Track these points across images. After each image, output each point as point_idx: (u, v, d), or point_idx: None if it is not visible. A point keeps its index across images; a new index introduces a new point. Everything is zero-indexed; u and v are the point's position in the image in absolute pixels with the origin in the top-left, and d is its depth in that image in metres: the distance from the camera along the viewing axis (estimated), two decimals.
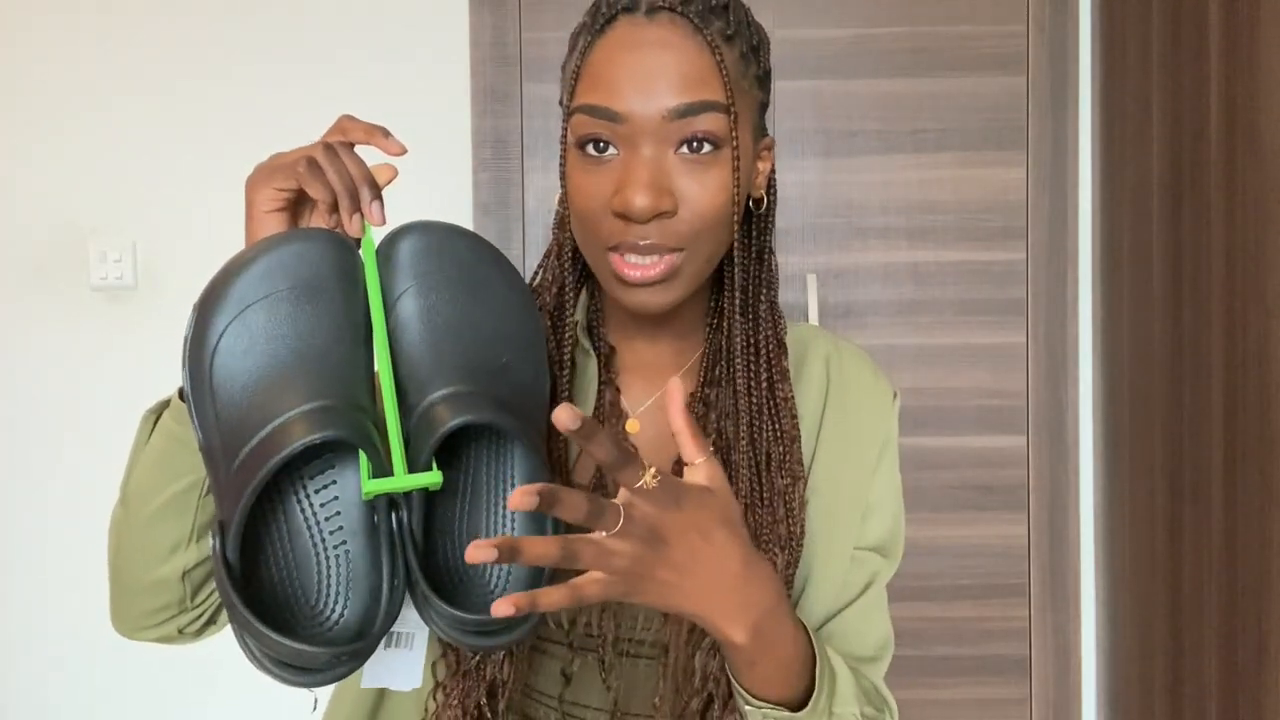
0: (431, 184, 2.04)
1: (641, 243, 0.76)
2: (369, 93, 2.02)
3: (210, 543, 0.65)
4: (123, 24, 2.02)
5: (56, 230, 2.04)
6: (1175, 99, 1.64)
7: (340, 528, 0.69)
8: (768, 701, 0.74)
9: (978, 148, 2.04)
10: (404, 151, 0.75)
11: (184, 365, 0.69)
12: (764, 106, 0.83)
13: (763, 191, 0.85)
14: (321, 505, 0.69)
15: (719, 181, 0.76)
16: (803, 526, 0.83)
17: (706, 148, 0.76)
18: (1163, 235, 1.70)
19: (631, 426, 0.85)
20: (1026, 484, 2.06)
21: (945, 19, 2.03)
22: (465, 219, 2.04)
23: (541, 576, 0.68)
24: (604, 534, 0.61)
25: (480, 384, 0.68)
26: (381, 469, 0.66)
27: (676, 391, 0.64)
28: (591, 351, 0.87)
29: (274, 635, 0.63)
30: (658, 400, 0.87)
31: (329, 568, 0.69)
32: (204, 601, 0.80)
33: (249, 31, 2.02)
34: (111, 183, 2.03)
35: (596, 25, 0.78)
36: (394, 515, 0.68)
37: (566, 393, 0.83)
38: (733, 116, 0.75)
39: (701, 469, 0.66)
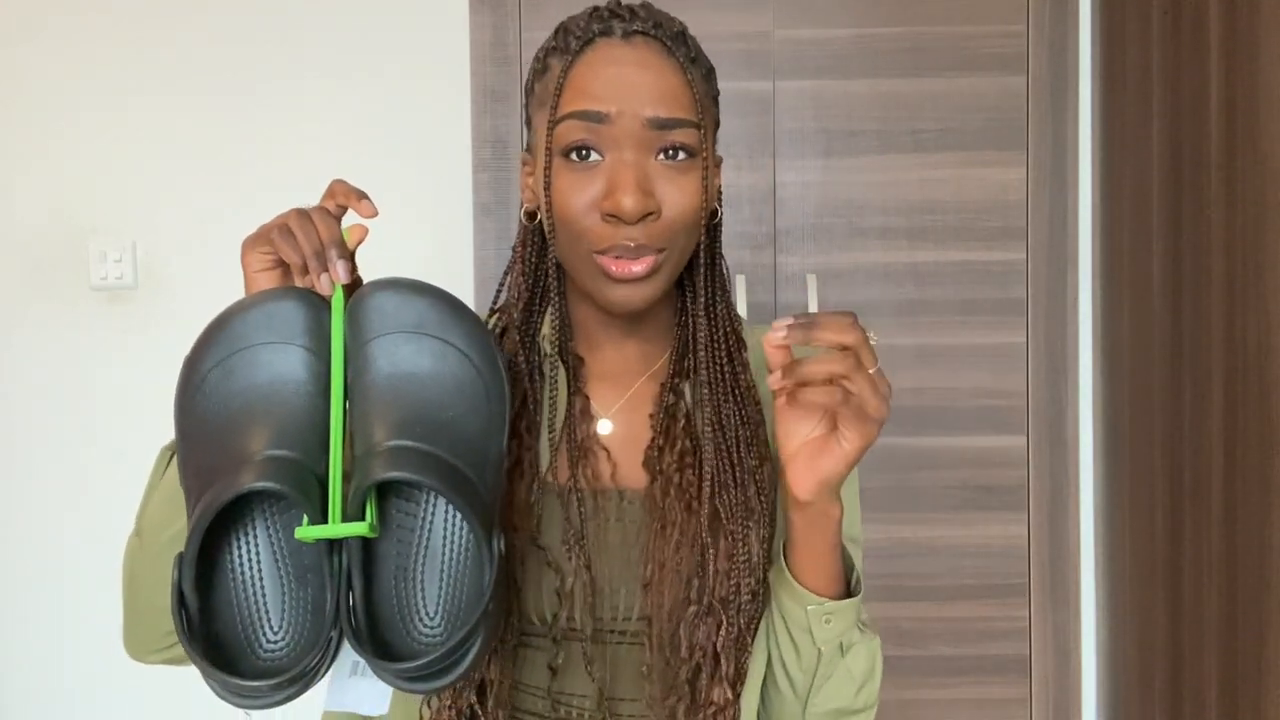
0: (431, 184, 2.04)
1: (630, 244, 0.82)
2: (369, 93, 2.02)
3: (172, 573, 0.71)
4: (123, 25, 2.02)
5: (56, 230, 2.04)
6: (1175, 99, 1.64)
7: (305, 563, 0.74)
8: (815, 593, 0.81)
9: (978, 148, 2.04)
10: (375, 214, 0.79)
11: (174, 410, 0.76)
12: (718, 125, 0.92)
13: (716, 203, 0.92)
14: (288, 540, 0.75)
15: (694, 186, 0.84)
16: (774, 502, 0.87)
17: (682, 156, 0.83)
18: (1163, 235, 1.70)
19: (603, 428, 0.91)
20: (1026, 484, 2.06)
21: (945, 19, 2.03)
22: (465, 219, 2.04)
23: (481, 608, 0.71)
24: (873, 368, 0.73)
25: (418, 438, 0.72)
26: (320, 517, 0.71)
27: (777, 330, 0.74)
28: (560, 362, 0.91)
29: (210, 666, 0.69)
30: (627, 400, 0.92)
31: (293, 599, 0.74)
32: None
33: (249, 32, 2.02)
34: (111, 183, 2.03)
35: (574, 47, 0.86)
36: (335, 559, 0.72)
37: (535, 403, 0.89)
38: (703, 131, 0.84)
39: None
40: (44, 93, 2.03)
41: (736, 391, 0.89)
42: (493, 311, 0.95)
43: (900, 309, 2.05)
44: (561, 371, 0.91)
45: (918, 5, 2.03)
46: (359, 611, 0.72)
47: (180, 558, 0.70)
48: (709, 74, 0.89)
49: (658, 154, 0.83)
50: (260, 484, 0.69)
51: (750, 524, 0.86)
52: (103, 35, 2.03)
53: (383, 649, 0.72)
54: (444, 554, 0.76)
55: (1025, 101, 2.03)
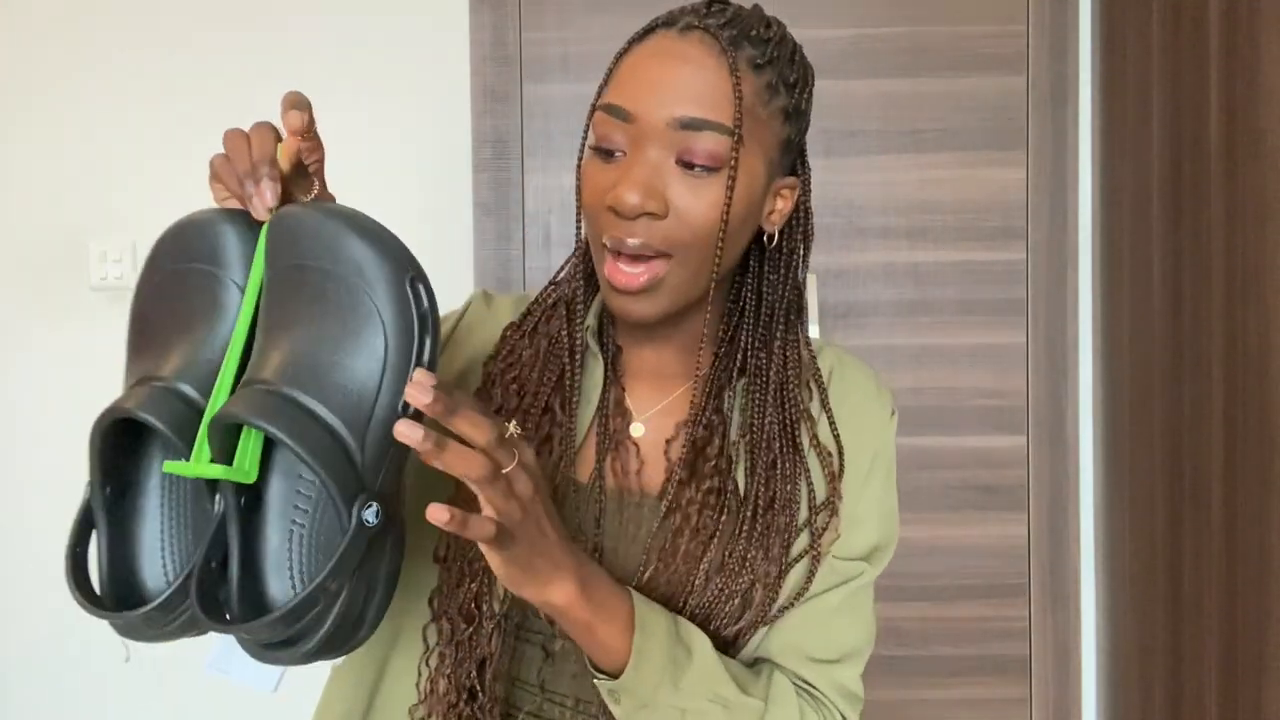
0: (431, 184, 2.04)
1: (629, 240, 0.78)
2: (369, 93, 2.02)
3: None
4: (123, 25, 2.02)
5: (56, 230, 2.04)
6: (1175, 99, 1.64)
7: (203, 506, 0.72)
8: (598, 670, 0.77)
9: (978, 148, 2.04)
10: (300, 127, 0.72)
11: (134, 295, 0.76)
12: (789, 143, 0.84)
13: (775, 229, 0.86)
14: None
15: (712, 198, 0.78)
16: (787, 571, 0.83)
17: (705, 163, 0.77)
18: (1163, 235, 1.70)
19: (635, 429, 0.88)
20: (1026, 484, 2.06)
21: (945, 19, 2.03)
22: (465, 219, 2.04)
23: (319, 580, 0.65)
24: (509, 469, 0.66)
25: (290, 381, 0.66)
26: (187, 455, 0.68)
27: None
28: (599, 353, 0.89)
29: (78, 595, 0.70)
30: (664, 407, 0.89)
31: (181, 538, 0.73)
32: None
33: (248, 32, 2.02)
34: (111, 183, 2.03)
35: (636, 37, 0.82)
36: (214, 500, 0.69)
37: (570, 380, 0.86)
38: (736, 139, 0.77)
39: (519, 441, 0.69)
40: (44, 93, 2.03)
41: (788, 443, 0.84)
42: (552, 284, 0.93)
43: (900, 309, 2.05)
44: (599, 363, 0.89)
45: (918, 5, 2.03)
46: (233, 564, 0.67)
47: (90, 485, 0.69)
48: (787, 85, 0.81)
49: (681, 156, 0.78)
50: (139, 413, 0.66)
51: (756, 585, 0.82)
52: (103, 36, 2.03)
53: (257, 607, 0.68)
54: (317, 513, 0.70)
55: (1025, 101, 2.03)
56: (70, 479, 2.06)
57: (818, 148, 2.04)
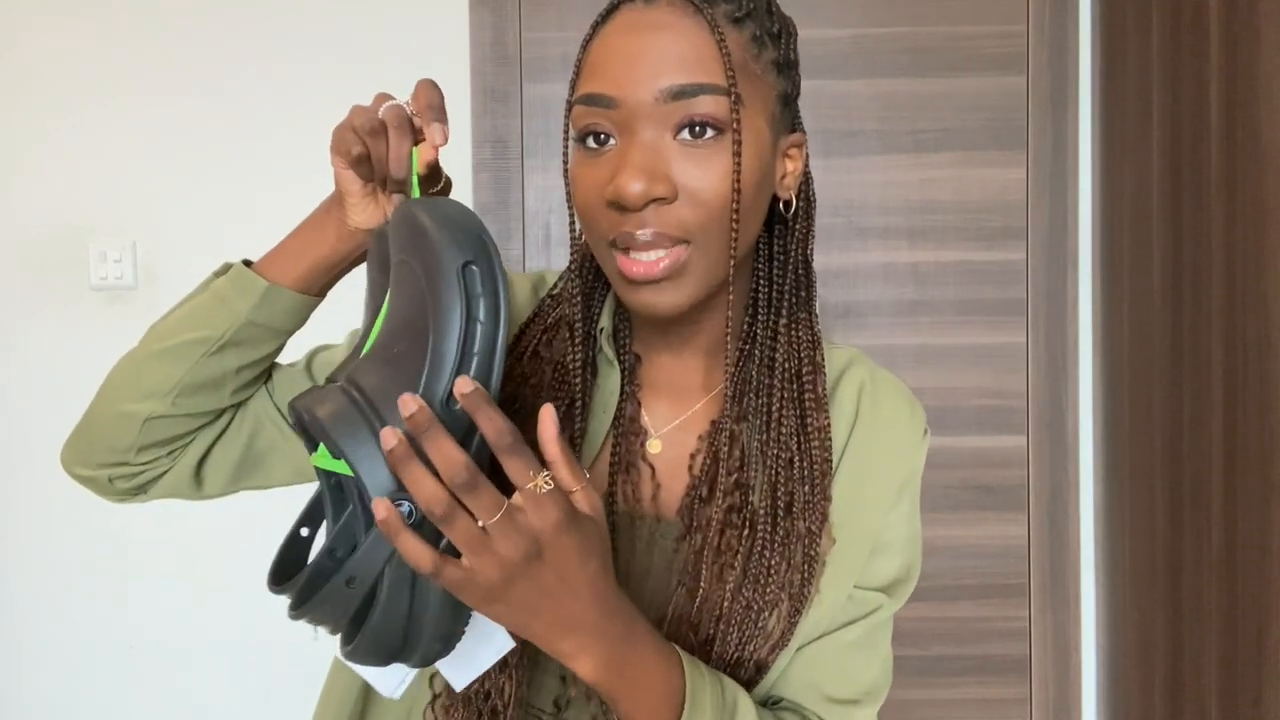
0: None
1: (638, 233, 0.71)
2: (368, 92, 2.02)
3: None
4: (122, 24, 2.02)
5: (56, 230, 2.03)
6: (1175, 99, 1.64)
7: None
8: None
9: (978, 148, 2.04)
10: (443, 143, 0.76)
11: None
12: (787, 97, 0.78)
13: (791, 194, 0.79)
14: None
15: (722, 169, 0.71)
16: (815, 578, 0.77)
17: (708, 133, 0.71)
18: (1163, 235, 1.70)
19: (652, 446, 0.82)
20: (1026, 484, 2.06)
21: (945, 19, 2.03)
22: None
23: (336, 567, 0.64)
24: (486, 522, 0.58)
25: (352, 371, 0.65)
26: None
27: (549, 420, 0.62)
28: (615, 362, 0.82)
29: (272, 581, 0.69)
30: (683, 422, 0.82)
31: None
32: (145, 464, 0.85)
33: (248, 31, 2.02)
34: (111, 183, 2.03)
35: (599, 20, 0.76)
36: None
37: (580, 403, 0.79)
38: (734, 98, 0.71)
39: (581, 496, 0.63)
40: (43, 92, 2.03)
41: (802, 438, 0.78)
42: (550, 297, 0.86)
43: (900, 309, 2.05)
44: (615, 372, 0.82)
45: (918, 5, 2.03)
46: (316, 548, 0.67)
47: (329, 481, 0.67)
48: (771, 36, 0.77)
49: (679, 130, 0.71)
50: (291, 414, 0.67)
51: (783, 596, 0.76)
52: (103, 36, 2.02)
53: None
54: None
55: (1025, 101, 2.03)
56: (69, 479, 2.05)
57: (818, 148, 2.04)
